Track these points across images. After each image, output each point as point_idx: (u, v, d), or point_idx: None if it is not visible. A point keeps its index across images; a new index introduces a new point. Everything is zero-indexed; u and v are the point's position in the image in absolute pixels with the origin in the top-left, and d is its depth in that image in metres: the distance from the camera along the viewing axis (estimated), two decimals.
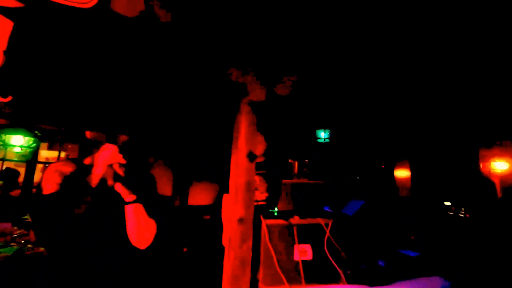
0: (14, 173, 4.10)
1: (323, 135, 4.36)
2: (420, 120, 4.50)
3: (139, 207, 1.41)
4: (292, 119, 4.15)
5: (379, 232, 3.88)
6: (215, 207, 2.06)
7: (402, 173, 6.97)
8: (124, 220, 1.40)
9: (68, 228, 1.23)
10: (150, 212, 1.46)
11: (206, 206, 5.99)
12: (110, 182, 1.34)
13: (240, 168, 1.48)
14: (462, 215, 4.12)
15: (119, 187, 1.35)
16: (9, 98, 1.76)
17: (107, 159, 1.27)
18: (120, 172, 1.29)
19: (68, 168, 1.34)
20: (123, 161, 1.30)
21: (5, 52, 1.17)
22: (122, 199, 1.36)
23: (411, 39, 2.07)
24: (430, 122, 4.69)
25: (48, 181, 1.28)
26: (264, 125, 1.68)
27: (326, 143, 4.27)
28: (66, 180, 1.31)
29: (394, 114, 4.48)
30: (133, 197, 1.37)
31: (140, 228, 1.42)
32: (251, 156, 1.44)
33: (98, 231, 1.34)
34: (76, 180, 1.31)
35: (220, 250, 1.55)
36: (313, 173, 6.45)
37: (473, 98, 3.70)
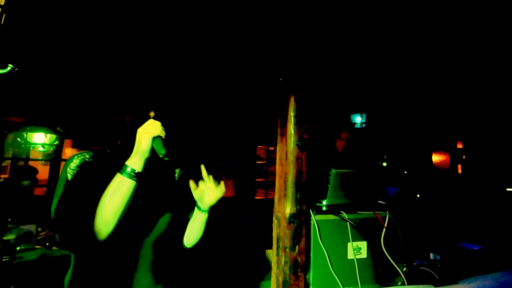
0: (30, 170, 3.78)
1: (359, 119, 4.02)
2: (468, 102, 4.07)
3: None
4: (324, 103, 3.87)
5: (427, 223, 3.56)
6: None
7: (440, 158, 6.48)
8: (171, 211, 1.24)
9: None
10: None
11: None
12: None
13: (288, 158, 1.28)
14: None
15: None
16: (8, 69, 1.59)
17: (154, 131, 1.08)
18: (164, 147, 1.09)
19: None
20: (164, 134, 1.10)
21: (1, 6, 1.01)
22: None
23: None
24: (479, 103, 4.23)
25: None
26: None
27: (362, 128, 3.95)
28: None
29: (433, 99, 4.09)
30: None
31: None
32: (301, 143, 1.23)
33: (141, 219, 1.15)
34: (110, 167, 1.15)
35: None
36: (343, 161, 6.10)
37: None
